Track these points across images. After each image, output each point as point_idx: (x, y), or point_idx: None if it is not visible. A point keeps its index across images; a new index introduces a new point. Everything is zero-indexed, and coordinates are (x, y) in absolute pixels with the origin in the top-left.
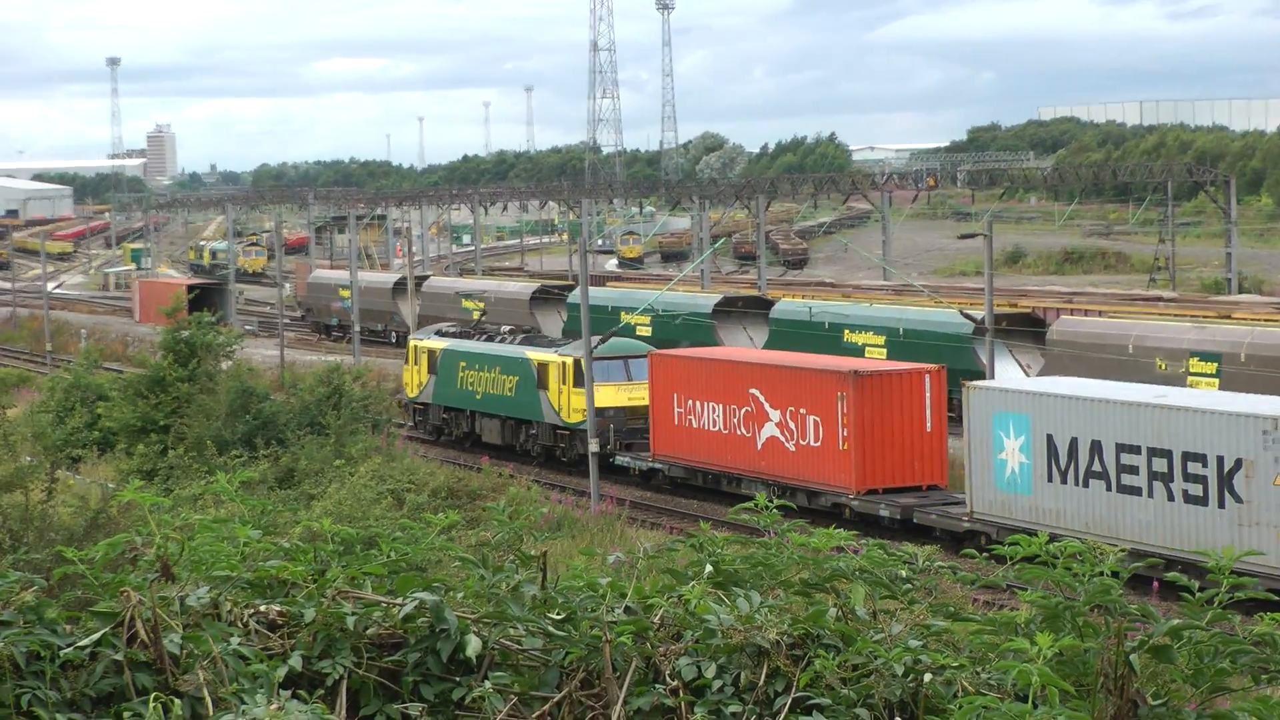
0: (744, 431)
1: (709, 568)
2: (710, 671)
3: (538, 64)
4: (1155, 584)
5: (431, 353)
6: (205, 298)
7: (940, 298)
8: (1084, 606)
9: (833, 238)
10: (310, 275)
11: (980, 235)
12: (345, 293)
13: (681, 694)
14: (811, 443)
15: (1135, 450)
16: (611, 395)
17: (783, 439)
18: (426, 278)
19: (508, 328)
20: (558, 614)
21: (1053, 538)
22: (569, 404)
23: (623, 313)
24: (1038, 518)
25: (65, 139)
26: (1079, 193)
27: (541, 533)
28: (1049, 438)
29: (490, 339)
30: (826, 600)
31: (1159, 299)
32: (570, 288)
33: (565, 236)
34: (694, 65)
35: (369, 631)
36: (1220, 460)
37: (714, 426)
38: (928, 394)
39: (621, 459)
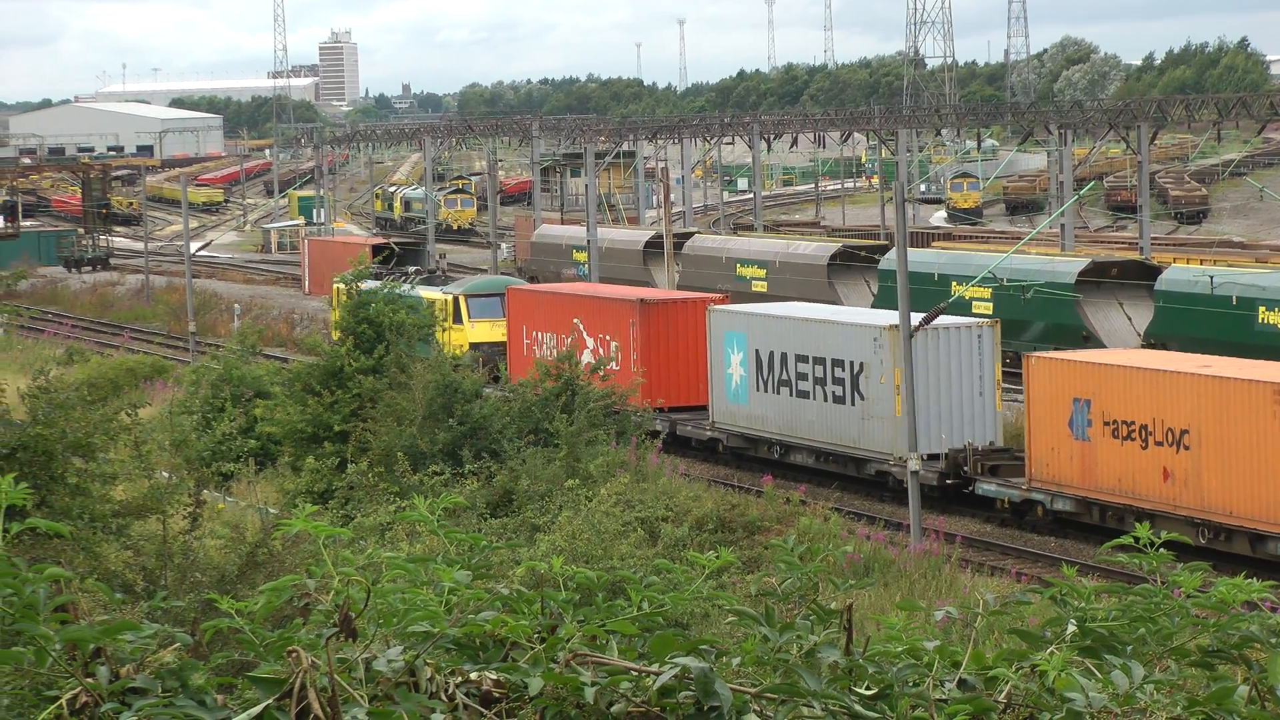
0: None
1: (1072, 627)
2: None
3: None
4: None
5: None
6: (396, 261)
7: None
8: None
9: (1243, 181)
10: (535, 232)
11: None
12: (581, 255)
13: None
14: (614, 366)
15: (806, 360)
16: (486, 331)
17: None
18: (689, 235)
19: (414, 268)
20: (868, 688)
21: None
22: (450, 342)
23: (954, 283)
24: (751, 424)
25: (213, 53)
26: None
27: (845, 579)
28: (756, 352)
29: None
30: (1235, 674)
31: None
32: (883, 249)
33: (876, 180)
34: None
35: (614, 709)
36: (851, 365)
37: (550, 354)
38: None
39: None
